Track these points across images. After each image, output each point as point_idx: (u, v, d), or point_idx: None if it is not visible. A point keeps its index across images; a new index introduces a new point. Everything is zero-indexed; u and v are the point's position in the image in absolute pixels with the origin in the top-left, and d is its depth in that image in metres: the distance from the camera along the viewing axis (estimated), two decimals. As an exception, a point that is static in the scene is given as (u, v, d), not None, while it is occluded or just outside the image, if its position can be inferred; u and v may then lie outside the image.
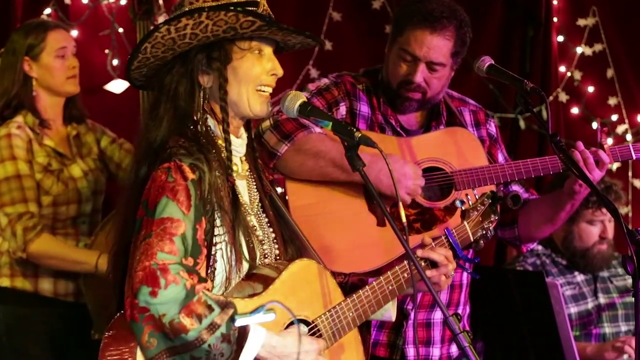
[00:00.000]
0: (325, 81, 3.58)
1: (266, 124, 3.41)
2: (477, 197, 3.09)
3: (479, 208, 3.07)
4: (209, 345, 2.46)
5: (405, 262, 2.87)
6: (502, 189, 3.62)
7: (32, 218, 4.03)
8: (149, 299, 2.44)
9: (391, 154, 3.37)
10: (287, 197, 3.44)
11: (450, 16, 3.44)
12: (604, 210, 4.72)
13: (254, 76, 2.71)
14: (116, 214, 2.74)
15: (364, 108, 3.56)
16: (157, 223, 2.52)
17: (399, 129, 3.57)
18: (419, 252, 2.90)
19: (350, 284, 2.94)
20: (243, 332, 2.51)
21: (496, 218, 3.09)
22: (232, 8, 2.62)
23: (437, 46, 3.44)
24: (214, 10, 2.61)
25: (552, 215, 3.60)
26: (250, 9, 2.64)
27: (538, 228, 3.65)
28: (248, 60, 2.70)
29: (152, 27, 4.22)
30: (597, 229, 4.78)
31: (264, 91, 2.73)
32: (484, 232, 3.07)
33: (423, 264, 2.90)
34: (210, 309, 2.47)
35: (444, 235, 2.98)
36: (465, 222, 3.04)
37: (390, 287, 2.85)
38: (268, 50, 2.74)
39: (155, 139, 2.65)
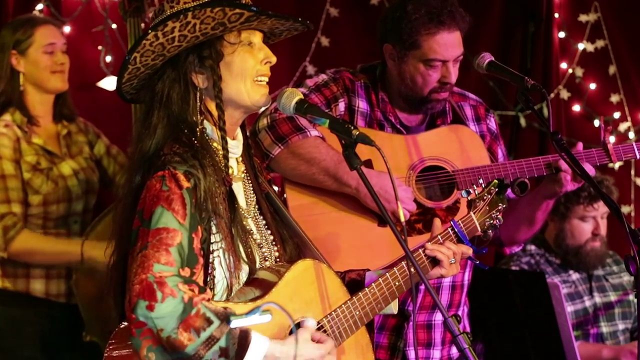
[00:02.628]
0: (323, 77, 3.55)
1: (263, 122, 3.39)
2: (483, 186, 3.06)
3: (485, 197, 3.04)
4: None
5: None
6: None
7: (13, 217, 4.00)
8: (146, 312, 2.41)
9: (385, 173, 3.33)
10: (285, 196, 3.42)
11: (450, 6, 3.42)
12: (596, 205, 4.70)
13: (249, 69, 2.67)
14: (112, 224, 2.71)
15: (362, 104, 3.54)
16: (153, 234, 2.49)
17: (398, 126, 3.55)
18: (428, 251, 2.89)
19: (348, 280, 2.91)
20: (244, 344, 2.47)
21: (504, 206, 3.06)
22: (216, 3, 2.57)
23: (456, 40, 3.44)
24: (199, 9, 2.56)
25: (530, 215, 3.59)
26: (237, 1, 2.60)
27: (518, 230, 3.64)
28: (240, 54, 2.66)
29: (142, 25, 4.22)
30: (590, 226, 4.75)
31: (261, 81, 2.69)
32: (492, 221, 3.05)
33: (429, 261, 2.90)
34: (209, 321, 2.44)
35: (450, 227, 2.96)
36: (471, 213, 3.02)
37: (397, 283, 2.84)
38: (257, 39, 2.70)
39: (149, 148, 2.61)
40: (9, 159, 4.05)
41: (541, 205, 3.54)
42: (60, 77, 4.20)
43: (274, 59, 2.70)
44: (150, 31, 2.58)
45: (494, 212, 3.04)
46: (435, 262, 2.91)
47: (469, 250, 2.96)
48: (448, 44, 3.41)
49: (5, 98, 4.14)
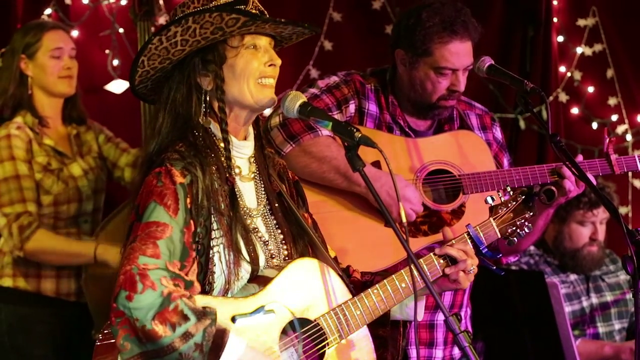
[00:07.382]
0: (334, 79, 3.58)
1: (275, 120, 3.42)
2: (510, 193, 3.04)
3: (509, 204, 3.01)
4: (180, 354, 2.46)
5: (421, 260, 2.85)
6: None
7: (29, 217, 4.03)
8: (125, 302, 2.45)
9: (397, 174, 3.37)
10: None
11: (464, 16, 3.45)
12: (595, 212, 4.73)
13: (252, 70, 2.71)
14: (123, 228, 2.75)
15: (372, 107, 3.56)
16: (143, 227, 2.54)
17: (407, 130, 3.58)
18: (437, 250, 2.89)
19: (376, 283, 2.88)
20: (220, 342, 2.51)
21: (531, 214, 3.03)
22: (214, 8, 2.64)
23: (468, 50, 3.47)
24: (198, 14, 2.63)
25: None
26: (238, 7, 2.65)
27: None
28: (243, 56, 2.71)
29: (152, 28, 4.27)
30: (588, 230, 4.78)
31: (265, 83, 2.73)
32: (517, 229, 3.02)
33: (442, 261, 2.88)
34: (185, 318, 2.47)
35: (466, 232, 2.94)
36: (491, 219, 2.99)
37: (403, 285, 2.82)
38: (263, 43, 2.74)
39: (153, 148, 2.68)
40: (23, 160, 4.08)
41: (542, 214, 3.53)
42: (67, 82, 4.24)
43: (278, 61, 2.74)
44: (154, 36, 2.66)
45: (518, 219, 3.01)
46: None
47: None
48: (460, 53, 3.44)
49: (16, 101, 4.17)
